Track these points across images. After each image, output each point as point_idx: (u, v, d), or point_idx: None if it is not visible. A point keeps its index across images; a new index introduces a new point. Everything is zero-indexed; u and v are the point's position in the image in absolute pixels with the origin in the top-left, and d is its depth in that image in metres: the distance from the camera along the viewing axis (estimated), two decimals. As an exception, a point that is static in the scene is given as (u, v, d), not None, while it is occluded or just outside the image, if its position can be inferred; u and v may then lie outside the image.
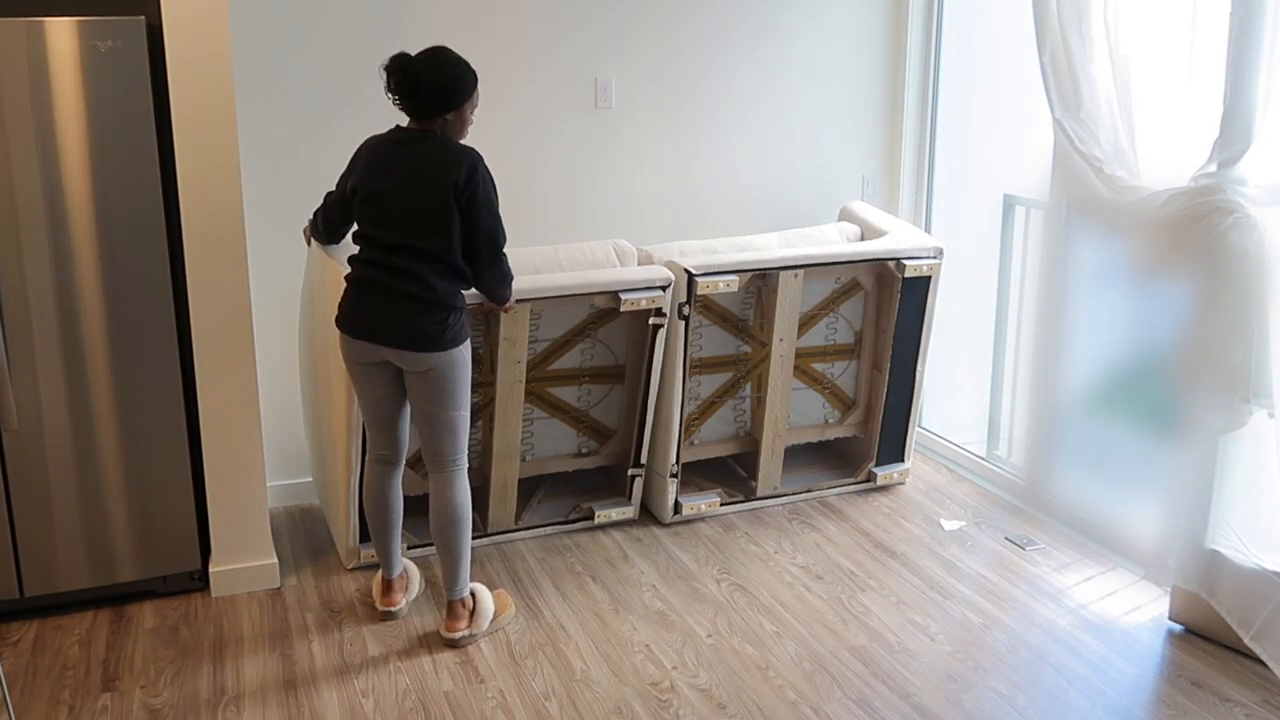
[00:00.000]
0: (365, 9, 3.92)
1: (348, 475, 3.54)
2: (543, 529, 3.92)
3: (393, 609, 3.41)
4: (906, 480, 4.39)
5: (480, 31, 4.06)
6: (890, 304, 4.14)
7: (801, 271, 3.94)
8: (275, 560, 3.59)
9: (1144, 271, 3.56)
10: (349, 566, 3.69)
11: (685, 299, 3.78)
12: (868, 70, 4.66)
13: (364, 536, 3.65)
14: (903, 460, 4.38)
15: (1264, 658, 3.07)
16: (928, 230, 4.70)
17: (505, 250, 3.16)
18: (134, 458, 3.37)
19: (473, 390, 3.74)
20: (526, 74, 4.16)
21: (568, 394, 3.91)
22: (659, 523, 4.04)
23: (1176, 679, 3.10)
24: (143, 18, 3.12)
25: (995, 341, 4.42)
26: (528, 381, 3.78)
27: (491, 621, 3.32)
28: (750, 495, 4.18)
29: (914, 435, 4.39)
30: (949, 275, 4.25)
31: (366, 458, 3.37)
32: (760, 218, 4.59)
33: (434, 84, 2.98)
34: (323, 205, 3.34)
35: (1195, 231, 3.08)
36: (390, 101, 3.05)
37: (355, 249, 3.16)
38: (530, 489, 4.08)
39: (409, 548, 3.73)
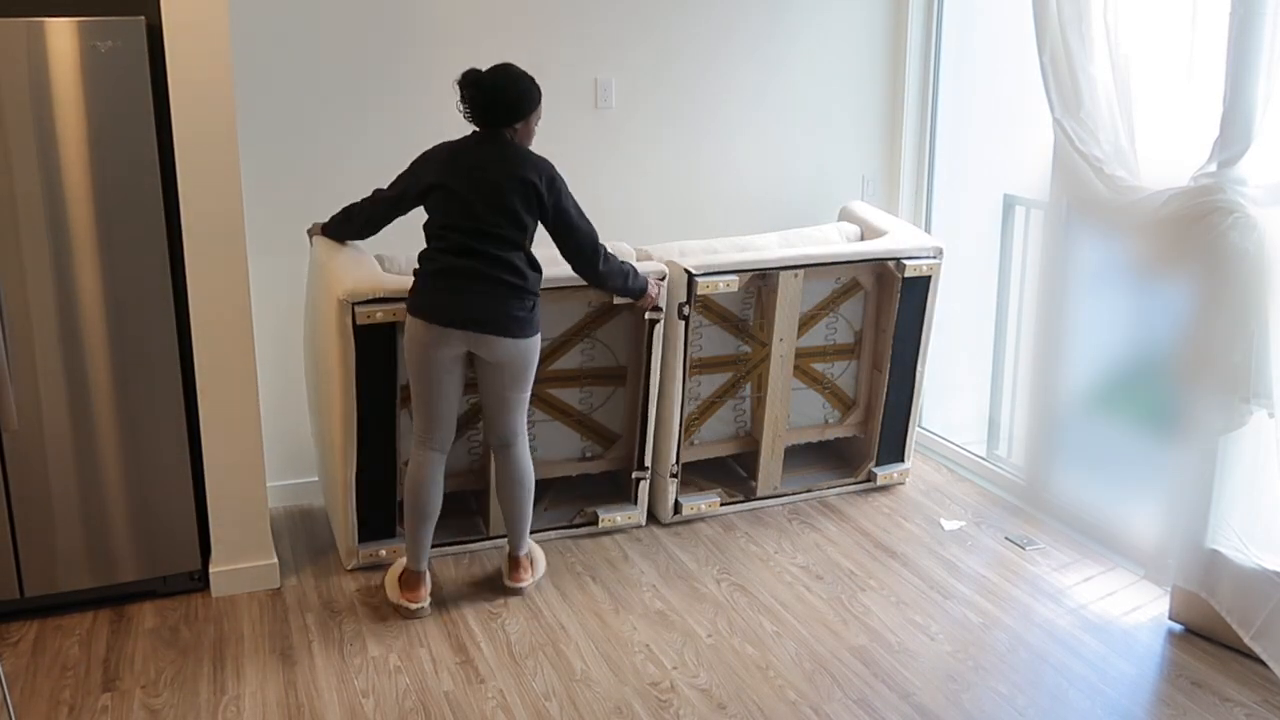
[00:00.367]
0: (365, 9, 3.92)
1: (346, 476, 3.54)
2: (545, 533, 3.90)
3: (416, 605, 3.40)
4: (906, 480, 4.39)
5: (481, 31, 4.06)
6: (890, 304, 4.14)
7: (801, 271, 3.94)
8: (275, 560, 3.59)
9: (1144, 271, 3.56)
10: (348, 567, 3.69)
11: (685, 299, 3.78)
12: (868, 70, 4.66)
13: (363, 536, 3.65)
14: (903, 460, 4.38)
15: (1264, 657, 3.07)
16: (928, 230, 4.70)
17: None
18: (134, 458, 3.37)
19: (468, 388, 3.74)
20: (526, 74, 4.16)
21: (569, 396, 3.91)
22: (659, 523, 4.04)
23: (1176, 679, 3.10)
24: (143, 18, 3.12)
25: (995, 341, 4.42)
26: (528, 382, 3.79)
27: (542, 569, 3.65)
28: (750, 495, 4.18)
29: (914, 435, 4.39)
30: (949, 275, 4.25)
31: (416, 446, 3.38)
32: (760, 218, 4.59)
33: (504, 98, 3.24)
34: (367, 201, 3.48)
35: (1195, 231, 3.08)
36: (461, 113, 3.27)
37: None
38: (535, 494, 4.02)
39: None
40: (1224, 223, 3.01)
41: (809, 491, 4.26)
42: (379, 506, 3.66)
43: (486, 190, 3.20)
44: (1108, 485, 3.92)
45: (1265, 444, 3.07)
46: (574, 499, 4.05)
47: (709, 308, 3.98)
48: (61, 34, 3.05)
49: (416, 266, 3.32)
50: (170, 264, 3.30)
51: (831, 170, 4.70)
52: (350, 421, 3.47)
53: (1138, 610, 3.46)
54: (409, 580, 3.44)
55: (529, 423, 3.84)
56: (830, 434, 4.35)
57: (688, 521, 4.06)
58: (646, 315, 3.73)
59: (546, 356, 3.81)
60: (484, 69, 3.25)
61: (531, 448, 3.88)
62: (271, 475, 3.99)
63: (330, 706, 2.98)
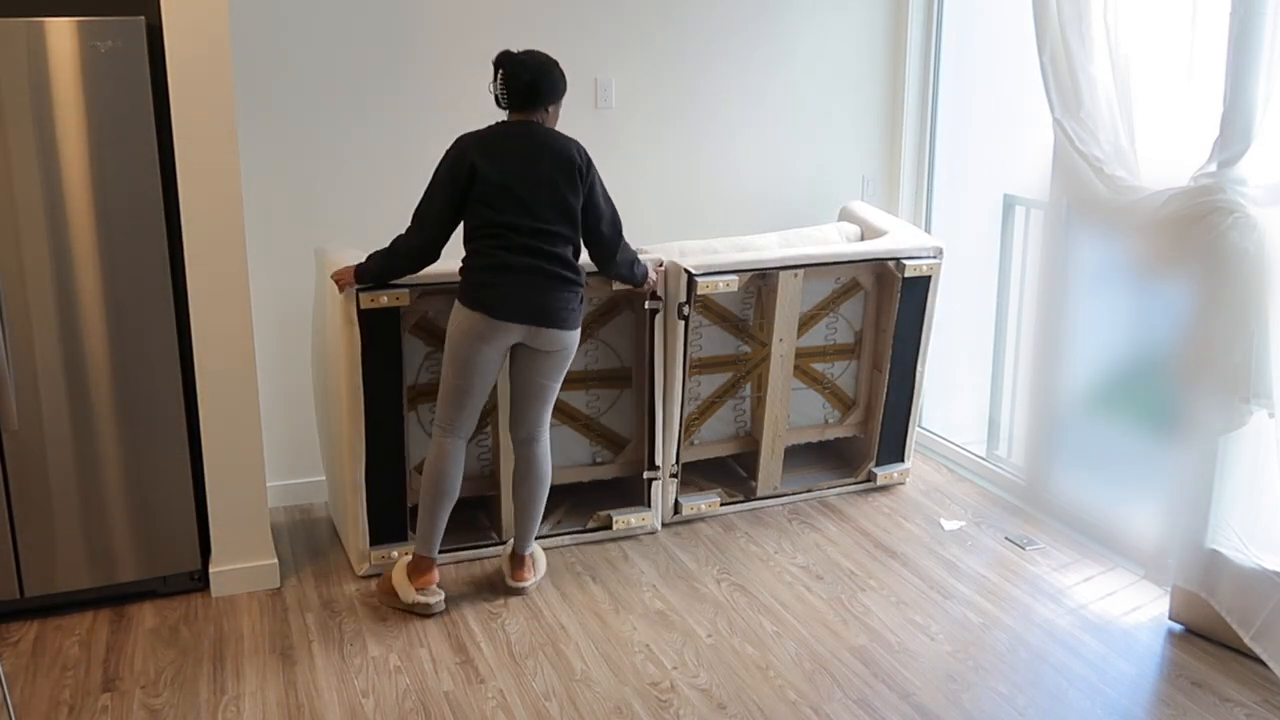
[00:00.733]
0: (365, 9, 3.92)
1: (355, 476, 3.54)
2: (559, 538, 3.86)
3: (434, 598, 3.39)
4: (907, 480, 4.39)
5: (480, 31, 4.06)
6: (890, 304, 4.14)
7: (801, 271, 3.94)
8: (275, 560, 3.59)
9: (1144, 271, 3.56)
10: (360, 572, 3.65)
11: (685, 299, 3.77)
12: (868, 70, 4.66)
13: (375, 539, 3.62)
14: (903, 460, 4.38)
15: (1264, 657, 3.07)
16: (928, 230, 4.70)
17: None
18: (134, 458, 3.37)
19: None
20: (526, 74, 4.16)
21: (576, 399, 3.90)
22: (659, 522, 4.04)
23: (1176, 679, 3.10)
24: (143, 18, 3.12)
25: (995, 341, 4.42)
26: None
27: (542, 571, 3.64)
28: (750, 495, 4.18)
29: (914, 435, 4.39)
30: (949, 275, 4.25)
31: (440, 434, 3.38)
32: (760, 218, 4.59)
33: (547, 79, 3.25)
34: (415, 230, 3.27)
35: (1195, 231, 3.08)
36: (493, 94, 3.26)
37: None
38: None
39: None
40: (1224, 223, 3.01)
41: (809, 491, 4.26)
42: (389, 509, 3.63)
43: (538, 185, 3.22)
44: (1108, 485, 3.92)
45: (1265, 444, 3.07)
46: (581, 503, 4.02)
47: (709, 308, 3.98)
48: (61, 34, 3.05)
49: (465, 260, 3.30)
50: (170, 264, 3.30)
51: (831, 170, 4.70)
52: (358, 415, 3.47)
53: (1138, 610, 3.46)
54: (420, 566, 3.41)
55: None
56: (830, 434, 4.35)
57: (688, 521, 4.06)
58: (646, 305, 3.73)
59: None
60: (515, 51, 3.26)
61: None
62: (271, 475, 3.99)
63: (330, 706, 2.98)
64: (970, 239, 4.50)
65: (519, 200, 3.21)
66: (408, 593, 3.40)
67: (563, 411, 3.88)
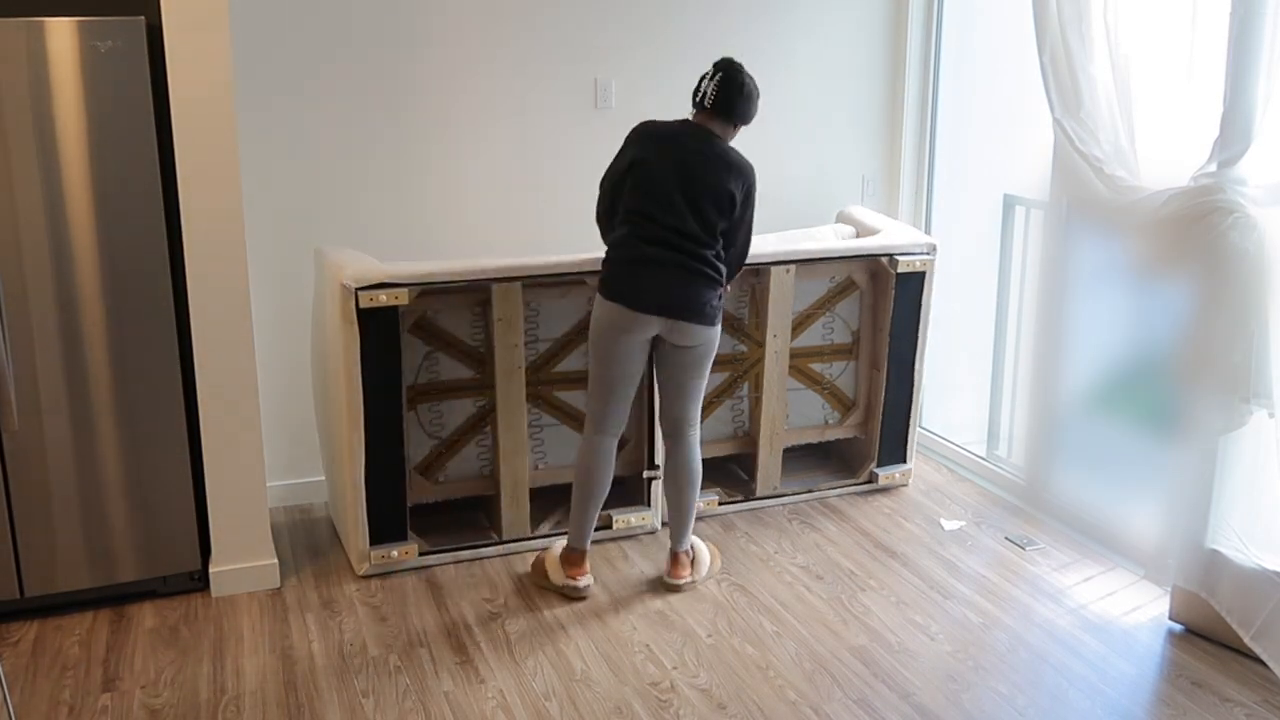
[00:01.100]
0: (365, 10, 3.92)
1: (354, 475, 3.54)
2: (556, 538, 3.86)
3: (584, 582, 3.48)
4: (909, 481, 4.39)
5: (480, 31, 4.06)
6: (885, 302, 4.14)
7: (793, 267, 3.95)
8: (275, 560, 3.59)
9: (1144, 271, 3.56)
10: (360, 572, 3.65)
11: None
12: (868, 70, 4.66)
13: (375, 539, 3.62)
14: (904, 460, 4.37)
15: (1264, 657, 3.07)
16: (927, 230, 4.70)
17: None
18: (134, 458, 3.37)
19: (475, 392, 3.75)
20: (526, 74, 4.16)
21: (575, 399, 3.89)
22: (659, 522, 4.04)
23: (1176, 679, 3.10)
24: (143, 18, 3.12)
25: (995, 341, 4.42)
26: (533, 385, 3.78)
27: (706, 570, 3.62)
28: (750, 495, 4.18)
29: (915, 435, 4.39)
30: (950, 275, 4.25)
31: (590, 432, 3.45)
32: (760, 217, 4.55)
33: (753, 99, 3.36)
34: (608, 193, 3.43)
35: (1195, 231, 3.08)
36: (700, 92, 3.32)
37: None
38: (545, 503, 3.96)
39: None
40: (1224, 223, 3.01)
41: (809, 492, 4.26)
42: (389, 509, 3.63)
43: (693, 190, 3.27)
44: (1108, 485, 3.92)
45: (1265, 444, 3.07)
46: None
47: (709, 308, 3.97)
48: (61, 34, 3.05)
49: (608, 252, 3.36)
50: (170, 264, 3.30)
51: (831, 171, 4.70)
52: (357, 415, 3.47)
53: (1138, 610, 3.46)
54: (572, 559, 3.52)
55: (538, 428, 3.84)
56: (830, 435, 4.35)
57: (688, 521, 4.05)
58: None
59: (549, 358, 3.81)
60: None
61: (540, 454, 3.88)
62: (271, 475, 3.99)
63: (330, 706, 2.98)
64: (970, 239, 4.50)
65: (668, 196, 3.26)
66: (558, 575, 3.53)
67: (562, 411, 3.88)
